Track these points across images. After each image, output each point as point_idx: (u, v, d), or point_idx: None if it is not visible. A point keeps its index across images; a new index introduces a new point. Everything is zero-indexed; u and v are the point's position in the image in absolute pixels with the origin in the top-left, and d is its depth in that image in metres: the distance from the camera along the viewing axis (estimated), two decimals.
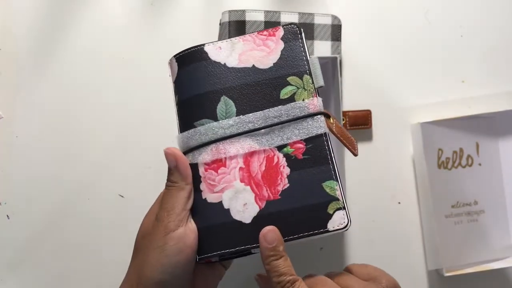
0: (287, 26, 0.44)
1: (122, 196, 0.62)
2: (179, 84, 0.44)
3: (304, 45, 0.43)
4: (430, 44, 0.67)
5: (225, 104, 0.41)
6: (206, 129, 0.41)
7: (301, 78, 0.42)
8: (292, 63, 0.43)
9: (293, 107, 0.41)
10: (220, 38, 0.61)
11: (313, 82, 0.42)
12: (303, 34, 0.44)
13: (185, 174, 0.40)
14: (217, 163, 0.41)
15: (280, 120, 0.41)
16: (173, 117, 0.63)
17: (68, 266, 0.62)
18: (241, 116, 0.41)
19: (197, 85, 0.43)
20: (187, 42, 0.64)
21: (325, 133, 0.41)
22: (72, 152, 0.62)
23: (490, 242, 0.65)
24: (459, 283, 0.64)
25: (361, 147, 0.64)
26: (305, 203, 0.39)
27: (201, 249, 0.40)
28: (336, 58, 0.59)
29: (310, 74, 0.42)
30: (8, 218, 0.61)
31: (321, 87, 0.42)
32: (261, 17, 0.60)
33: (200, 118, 0.42)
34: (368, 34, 0.66)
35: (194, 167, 0.41)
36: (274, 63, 0.43)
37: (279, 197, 0.40)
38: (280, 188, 0.40)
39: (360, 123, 0.63)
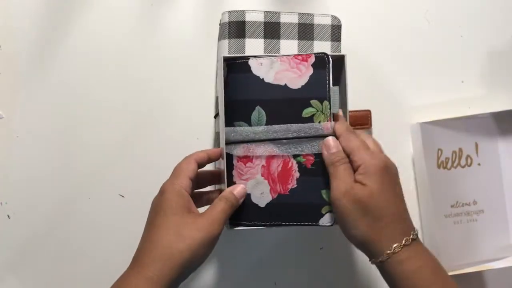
0: (318, 54, 0.51)
1: (122, 196, 0.62)
2: (227, 86, 0.52)
3: (329, 75, 0.50)
4: (430, 44, 0.67)
5: (258, 113, 0.51)
6: (242, 130, 0.51)
7: (321, 102, 0.50)
8: (317, 88, 0.51)
9: (310, 127, 0.50)
10: (220, 38, 0.61)
11: (330, 108, 0.50)
12: (330, 64, 0.51)
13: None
14: (246, 158, 0.52)
15: (299, 135, 0.51)
16: (173, 117, 0.64)
17: (68, 265, 0.62)
18: (269, 126, 0.51)
19: (240, 92, 0.52)
20: (187, 43, 0.64)
21: None
22: (72, 152, 0.62)
23: (490, 242, 0.65)
24: (459, 283, 0.63)
25: None
26: (306, 201, 0.51)
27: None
28: (343, 56, 0.57)
29: (329, 101, 0.50)
30: (9, 218, 0.61)
31: (335, 113, 0.51)
32: (261, 18, 0.60)
33: (238, 120, 0.52)
34: (367, 34, 0.66)
35: (230, 157, 0.52)
36: (302, 86, 0.51)
37: (288, 193, 0.52)
38: (289, 186, 0.51)
39: (360, 123, 0.63)
